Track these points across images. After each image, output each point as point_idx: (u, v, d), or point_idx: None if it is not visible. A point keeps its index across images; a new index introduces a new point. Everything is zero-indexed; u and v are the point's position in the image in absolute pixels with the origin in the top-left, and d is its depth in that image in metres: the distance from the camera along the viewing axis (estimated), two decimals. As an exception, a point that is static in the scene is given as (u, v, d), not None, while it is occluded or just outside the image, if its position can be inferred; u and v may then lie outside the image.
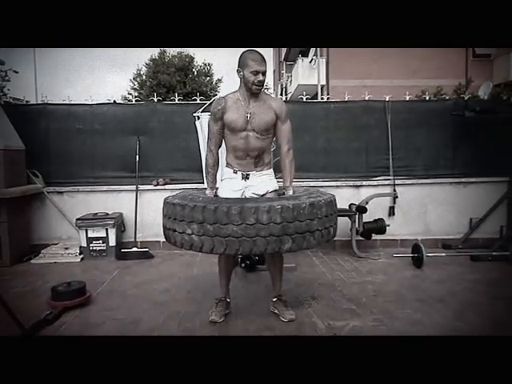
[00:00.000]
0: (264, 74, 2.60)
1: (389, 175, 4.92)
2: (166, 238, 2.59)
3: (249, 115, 2.63)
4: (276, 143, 2.88)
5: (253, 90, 2.60)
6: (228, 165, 2.81)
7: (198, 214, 2.27)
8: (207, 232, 2.26)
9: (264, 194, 2.75)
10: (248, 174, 2.75)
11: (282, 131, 2.74)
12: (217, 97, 2.77)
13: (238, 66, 2.64)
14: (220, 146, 2.81)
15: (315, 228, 2.36)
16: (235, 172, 2.76)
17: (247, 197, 2.75)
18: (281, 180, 2.86)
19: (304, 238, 2.32)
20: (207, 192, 2.79)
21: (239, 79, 2.67)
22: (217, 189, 2.85)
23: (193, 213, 2.29)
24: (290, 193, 2.75)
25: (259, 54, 2.62)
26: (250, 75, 2.57)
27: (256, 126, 2.65)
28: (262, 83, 2.60)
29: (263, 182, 2.78)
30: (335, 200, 2.63)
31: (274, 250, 2.30)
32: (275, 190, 2.82)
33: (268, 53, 27.48)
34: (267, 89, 28.01)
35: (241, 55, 2.63)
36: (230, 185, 2.77)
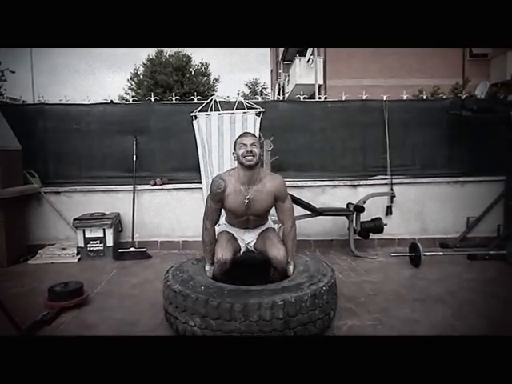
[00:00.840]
0: (253, 145, 2.64)
1: (386, 174, 4.92)
2: (167, 320, 2.59)
3: (247, 201, 2.69)
4: (279, 219, 2.94)
5: (244, 162, 2.63)
6: (227, 220, 2.99)
7: (201, 308, 2.27)
8: (210, 326, 2.26)
9: (262, 231, 2.91)
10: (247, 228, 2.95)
11: (284, 210, 2.81)
12: (217, 177, 2.81)
13: (233, 152, 2.76)
14: (216, 223, 2.90)
15: (317, 317, 2.38)
16: (234, 228, 2.96)
17: (245, 239, 2.93)
18: None
19: (305, 329, 2.33)
20: (207, 268, 2.83)
21: (236, 162, 2.76)
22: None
23: (195, 305, 2.29)
24: (291, 268, 2.79)
25: (247, 132, 2.83)
26: (239, 150, 2.66)
27: (255, 212, 2.77)
28: (251, 154, 2.62)
29: (260, 228, 2.96)
30: (335, 280, 2.66)
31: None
32: (271, 227, 2.98)
33: (266, 52, 27.54)
34: (265, 88, 28.06)
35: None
36: (230, 228, 2.97)
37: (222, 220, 3.04)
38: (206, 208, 2.82)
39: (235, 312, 2.21)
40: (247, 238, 2.94)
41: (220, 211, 2.84)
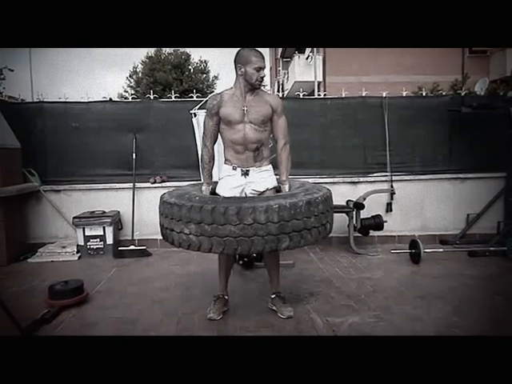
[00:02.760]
0: (264, 69, 2.65)
1: (386, 171, 4.92)
2: (163, 236, 2.58)
3: (245, 108, 2.63)
4: (272, 138, 2.87)
5: (255, 85, 2.63)
6: (227, 161, 2.78)
7: (196, 215, 2.26)
8: (205, 232, 2.25)
9: (264, 191, 2.73)
10: (248, 170, 2.72)
11: (279, 125, 2.75)
12: (212, 94, 2.78)
13: (239, 63, 2.62)
14: (215, 142, 2.79)
15: (312, 225, 2.36)
16: (234, 168, 2.72)
17: (247, 193, 2.73)
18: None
19: (301, 236, 2.32)
20: (203, 188, 2.79)
21: (237, 75, 2.66)
22: (215, 183, 2.84)
23: (190, 213, 2.28)
24: (287, 187, 2.75)
25: (259, 51, 2.65)
26: (253, 71, 2.59)
27: (253, 118, 2.64)
28: (263, 79, 2.67)
29: (263, 179, 2.75)
30: (331, 195, 2.63)
31: (271, 249, 2.30)
32: (274, 187, 2.80)
33: (264, 50, 27.48)
34: (264, 86, 28.08)
35: (240, 52, 2.63)
36: (229, 182, 2.74)
37: (220, 167, 2.91)
38: (205, 128, 2.77)
39: (229, 215, 2.20)
40: (249, 194, 2.73)
41: (218, 127, 2.73)
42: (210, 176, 2.81)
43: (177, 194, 2.56)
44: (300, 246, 2.39)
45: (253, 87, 2.64)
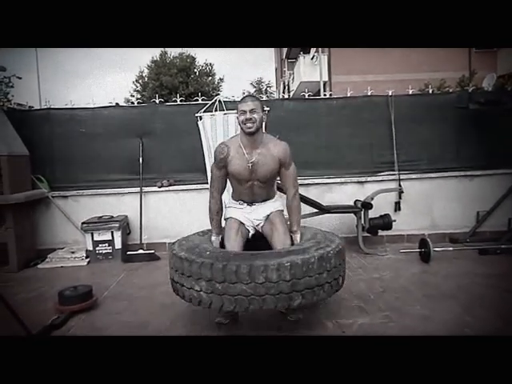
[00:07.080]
0: (252, 111, 2.59)
1: (394, 170, 4.88)
2: (173, 290, 2.57)
3: (250, 166, 2.64)
4: (282, 186, 2.90)
5: (244, 129, 2.61)
6: (233, 197, 2.90)
7: (207, 272, 2.23)
8: (216, 290, 2.23)
9: (268, 215, 2.81)
10: (253, 202, 2.84)
11: (288, 176, 2.77)
12: (220, 143, 2.80)
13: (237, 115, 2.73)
14: (223, 192, 2.85)
15: (325, 281, 2.33)
16: (241, 204, 2.85)
17: (252, 220, 2.82)
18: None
19: (314, 293, 2.29)
20: (213, 238, 2.82)
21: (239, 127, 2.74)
22: (222, 235, 2.83)
23: (201, 270, 2.26)
24: (298, 237, 2.76)
25: (248, 96, 2.75)
26: (239, 117, 2.63)
27: (260, 176, 2.69)
28: (251, 121, 2.58)
29: (268, 206, 2.85)
30: (344, 248, 2.61)
31: (283, 307, 2.30)
32: (280, 210, 2.87)
33: (270, 51, 27.48)
34: (270, 87, 28.10)
35: None
36: (237, 208, 2.86)
37: (229, 198, 2.97)
38: (212, 177, 2.80)
39: (241, 274, 2.17)
40: (255, 219, 2.84)
41: (225, 179, 2.78)
42: (220, 225, 2.84)
43: (187, 246, 2.55)
44: (313, 303, 2.35)
45: (245, 132, 2.62)
